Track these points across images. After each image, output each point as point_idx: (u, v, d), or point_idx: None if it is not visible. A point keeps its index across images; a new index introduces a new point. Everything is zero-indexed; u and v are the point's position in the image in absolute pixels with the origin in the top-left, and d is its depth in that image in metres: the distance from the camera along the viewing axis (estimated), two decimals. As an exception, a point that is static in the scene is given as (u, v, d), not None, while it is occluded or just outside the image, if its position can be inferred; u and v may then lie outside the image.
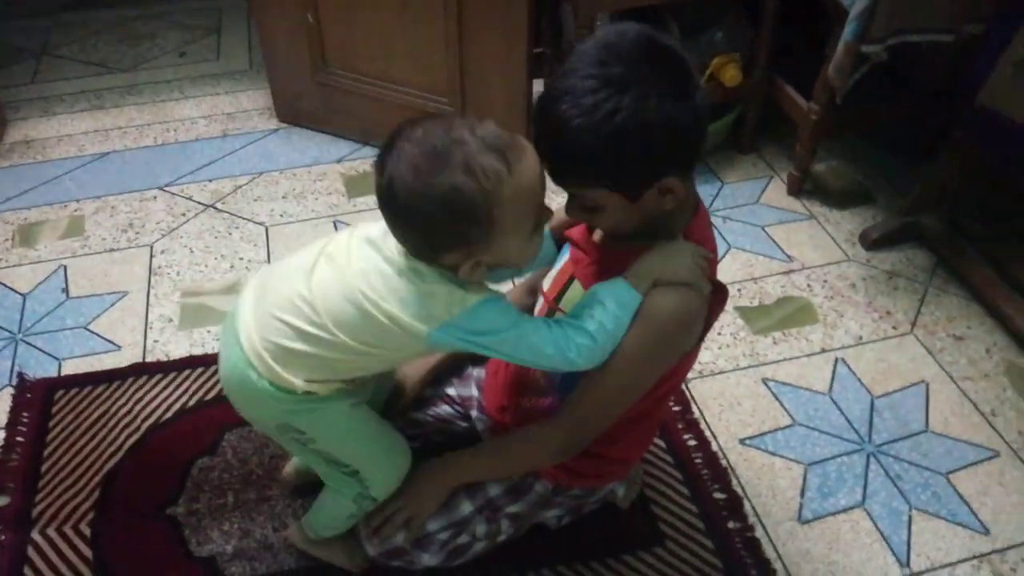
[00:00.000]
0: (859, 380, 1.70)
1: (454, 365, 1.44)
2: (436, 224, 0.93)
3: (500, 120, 0.95)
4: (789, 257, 1.99)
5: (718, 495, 1.49)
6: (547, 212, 1.00)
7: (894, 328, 1.81)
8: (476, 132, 0.92)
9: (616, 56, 0.90)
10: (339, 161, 2.28)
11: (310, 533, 1.35)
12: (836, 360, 1.74)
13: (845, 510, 1.48)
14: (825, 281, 1.92)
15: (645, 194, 0.96)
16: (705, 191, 2.18)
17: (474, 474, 1.25)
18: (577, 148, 0.91)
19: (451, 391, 1.43)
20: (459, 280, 0.99)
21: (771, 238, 2.04)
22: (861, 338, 1.79)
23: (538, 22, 2.31)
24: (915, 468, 1.54)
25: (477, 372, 1.41)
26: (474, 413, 1.39)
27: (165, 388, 1.66)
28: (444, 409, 1.43)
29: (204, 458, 1.54)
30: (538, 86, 2.29)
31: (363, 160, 2.27)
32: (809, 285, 1.91)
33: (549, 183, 0.97)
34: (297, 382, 1.06)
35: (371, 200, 2.13)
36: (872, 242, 1.98)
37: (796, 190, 2.15)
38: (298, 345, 1.04)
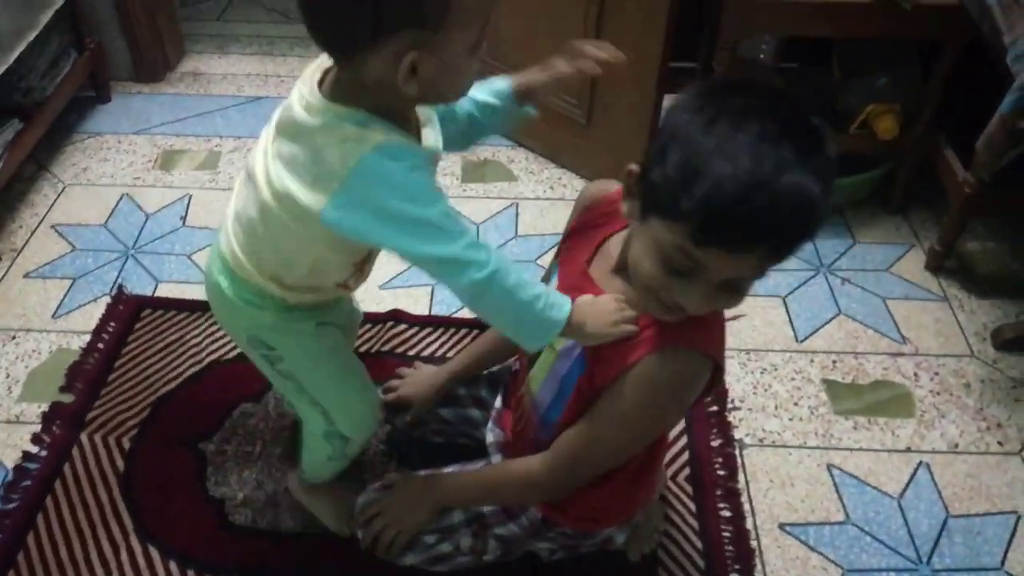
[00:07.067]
0: (938, 492, 1.51)
1: (488, 377, 1.41)
2: None
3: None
4: (903, 338, 1.79)
5: (734, 576, 1.38)
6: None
7: (1000, 444, 1.59)
8: None
9: None
10: (466, 143, 2.28)
11: (301, 476, 1.39)
12: (919, 464, 1.55)
13: (872, 632, 1.33)
14: (936, 374, 1.71)
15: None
16: (833, 247, 2.00)
17: (460, 500, 1.24)
18: None
19: (483, 394, 1.40)
20: (364, 119, 0.88)
21: (890, 312, 1.84)
22: (957, 446, 1.58)
23: (698, 36, 2.21)
24: (971, 608, 1.36)
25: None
26: (489, 424, 1.35)
27: (237, 329, 1.74)
28: (473, 412, 1.41)
29: (248, 403, 1.60)
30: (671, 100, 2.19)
31: (491, 148, 2.27)
32: (916, 374, 1.71)
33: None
34: (261, 279, 1.05)
35: (483, 188, 2.13)
36: (1004, 341, 1.74)
37: (936, 266, 1.93)
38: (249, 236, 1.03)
